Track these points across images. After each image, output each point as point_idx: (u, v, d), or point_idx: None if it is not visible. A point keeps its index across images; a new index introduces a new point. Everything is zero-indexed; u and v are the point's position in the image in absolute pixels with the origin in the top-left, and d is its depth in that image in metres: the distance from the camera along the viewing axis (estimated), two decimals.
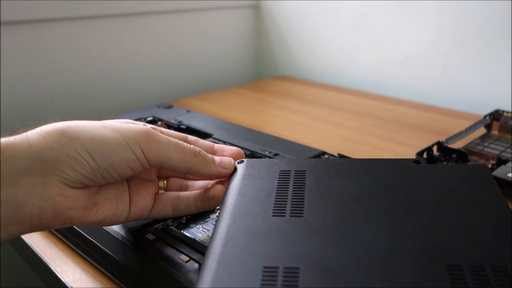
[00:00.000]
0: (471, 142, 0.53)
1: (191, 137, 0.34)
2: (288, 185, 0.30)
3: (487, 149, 0.51)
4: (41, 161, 0.25)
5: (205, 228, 0.34)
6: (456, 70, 0.76)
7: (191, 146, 0.31)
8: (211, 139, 0.51)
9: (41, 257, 0.35)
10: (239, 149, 0.35)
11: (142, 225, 0.34)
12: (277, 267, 0.22)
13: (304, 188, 0.29)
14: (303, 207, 0.27)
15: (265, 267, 0.22)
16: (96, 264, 0.34)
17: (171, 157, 0.29)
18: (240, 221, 0.26)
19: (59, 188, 0.26)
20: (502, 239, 0.23)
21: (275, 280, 0.21)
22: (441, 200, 0.27)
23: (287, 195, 0.29)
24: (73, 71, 0.75)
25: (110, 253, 0.32)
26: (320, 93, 0.85)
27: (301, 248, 0.24)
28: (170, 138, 0.30)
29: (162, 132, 0.32)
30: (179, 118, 0.59)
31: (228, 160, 0.33)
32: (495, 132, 0.58)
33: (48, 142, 0.26)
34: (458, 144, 0.51)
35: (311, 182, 0.30)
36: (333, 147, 0.48)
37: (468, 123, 0.56)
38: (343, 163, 0.32)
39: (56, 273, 0.33)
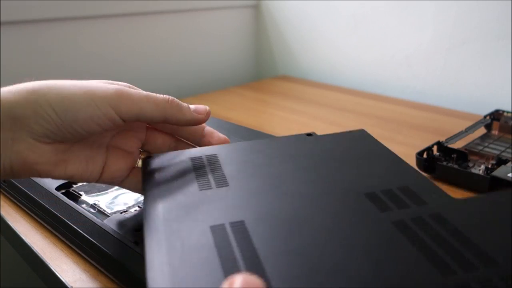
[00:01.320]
0: (471, 142, 0.53)
1: (172, 99, 0.35)
2: (204, 165, 0.32)
3: (487, 149, 0.51)
4: (11, 118, 0.27)
5: None
6: (456, 70, 0.76)
7: (164, 95, 0.32)
8: None
9: (41, 257, 0.35)
10: (227, 138, 0.36)
11: (142, 224, 0.34)
12: (223, 224, 0.25)
13: (220, 164, 0.32)
14: (225, 179, 0.30)
15: (211, 226, 0.24)
16: (96, 264, 0.34)
17: (144, 107, 0.30)
18: (171, 201, 0.27)
19: (28, 143, 0.28)
20: (397, 170, 0.31)
21: (227, 235, 0.23)
22: (340, 154, 0.33)
23: (206, 172, 0.31)
24: (73, 71, 0.75)
25: (110, 253, 0.32)
26: (320, 93, 0.85)
27: (239, 206, 0.26)
28: (141, 91, 0.31)
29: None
30: None
31: (203, 107, 0.34)
32: (495, 132, 0.58)
33: (17, 99, 0.27)
34: (458, 144, 0.51)
35: (224, 160, 0.32)
36: None
37: (468, 123, 0.56)
38: (250, 144, 0.35)
39: (56, 273, 0.33)
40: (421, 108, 0.74)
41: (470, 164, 0.48)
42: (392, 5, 0.81)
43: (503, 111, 0.60)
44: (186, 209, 0.26)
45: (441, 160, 0.48)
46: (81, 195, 0.40)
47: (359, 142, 0.35)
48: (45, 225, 0.39)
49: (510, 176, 0.43)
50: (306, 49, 0.98)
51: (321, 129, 0.65)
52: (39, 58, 0.71)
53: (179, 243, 0.23)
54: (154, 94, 0.32)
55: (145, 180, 0.31)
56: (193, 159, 0.33)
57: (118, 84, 0.32)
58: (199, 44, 0.94)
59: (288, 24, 1.00)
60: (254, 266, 0.21)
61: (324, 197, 0.27)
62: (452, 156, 0.48)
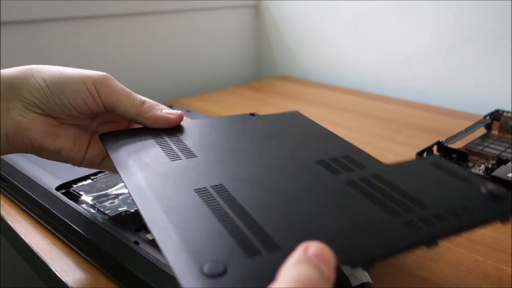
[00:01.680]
0: (471, 142, 0.53)
1: (149, 101, 0.38)
2: (166, 140, 0.34)
3: (487, 149, 0.51)
4: (8, 89, 0.31)
5: None
6: (456, 70, 0.76)
7: (143, 97, 0.36)
8: None
9: (41, 257, 0.35)
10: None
11: (142, 224, 0.34)
12: (205, 187, 0.27)
13: (180, 138, 0.34)
14: (191, 151, 0.32)
15: (195, 189, 0.27)
16: (96, 264, 0.34)
17: (122, 99, 0.34)
18: (147, 170, 0.29)
19: (20, 110, 0.32)
20: (336, 143, 0.35)
21: (212, 196, 0.26)
22: (284, 130, 0.37)
23: (171, 147, 0.33)
24: None
25: (110, 253, 0.32)
26: (320, 93, 0.85)
27: (213, 173, 0.29)
28: (124, 87, 0.35)
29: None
30: None
31: (175, 111, 0.37)
32: (495, 132, 0.58)
33: (15, 74, 0.32)
34: (458, 144, 0.51)
35: (183, 135, 0.35)
36: None
37: (468, 123, 0.56)
38: (202, 121, 0.38)
39: (56, 273, 0.33)
40: (421, 108, 0.74)
41: (470, 164, 0.48)
42: (392, 5, 0.81)
43: (503, 111, 0.60)
44: (165, 177, 0.28)
45: None
46: (81, 195, 0.40)
47: (297, 120, 0.40)
48: (45, 225, 0.39)
49: (510, 176, 0.43)
50: (306, 49, 0.98)
51: None
52: (39, 58, 0.71)
53: (172, 204, 0.25)
54: (135, 94, 0.35)
55: (113, 155, 0.32)
56: (152, 134, 0.35)
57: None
58: (199, 44, 0.94)
59: (288, 24, 1.00)
60: (247, 218, 0.24)
61: (281, 164, 0.31)
62: (452, 156, 0.48)
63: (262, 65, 1.08)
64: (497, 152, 0.49)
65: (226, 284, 0.19)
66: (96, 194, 0.40)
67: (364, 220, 0.24)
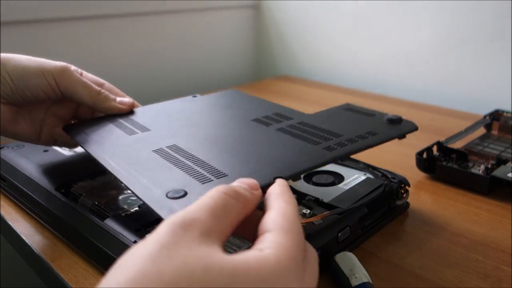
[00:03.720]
0: (471, 142, 0.53)
1: (108, 84, 0.43)
2: (122, 122, 0.39)
3: (487, 149, 0.51)
4: None
5: None
6: (456, 70, 0.76)
7: (98, 88, 0.40)
8: None
9: (41, 257, 0.35)
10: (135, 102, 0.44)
11: (142, 224, 0.34)
12: (161, 148, 0.33)
13: (134, 119, 0.40)
14: (145, 126, 0.38)
15: (153, 150, 0.32)
16: (96, 264, 0.34)
17: (79, 90, 0.39)
18: (110, 144, 0.34)
19: None
20: (268, 105, 0.42)
21: (168, 152, 0.32)
22: (225, 103, 0.45)
23: (125, 125, 0.38)
24: None
25: (110, 252, 0.32)
26: (320, 93, 0.85)
27: (166, 137, 0.34)
28: (81, 77, 0.39)
29: (81, 74, 0.41)
30: None
31: (127, 100, 0.42)
32: (495, 132, 0.58)
33: None
34: (458, 144, 0.51)
35: (136, 117, 0.40)
36: None
37: (468, 123, 0.56)
38: (149, 106, 0.44)
39: (56, 273, 0.33)
40: (421, 108, 0.74)
41: (470, 164, 0.48)
42: (392, 5, 0.81)
43: (503, 111, 0.60)
44: (126, 146, 0.33)
45: (441, 160, 0.48)
46: (81, 195, 0.40)
47: (235, 96, 0.47)
48: (45, 225, 0.39)
49: (510, 176, 0.43)
50: (306, 49, 0.98)
51: None
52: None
53: (134, 161, 0.30)
54: (91, 84, 0.40)
55: (79, 139, 0.37)
56: (110, 120, 0.40)
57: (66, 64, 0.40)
58: (199, 44, 0.94)
59: (288, 24, 1.00)
60: (198, 161, 0.30)
61: (224, 125, 0.37)
62: (452, 156, 0.48)
63: (262, 65, 1.08)
64: (497, 152, 0.49)
65: (187, 202, 0.24)
66: (96, 194, 0.40)
67: (293, 150, 0.31)
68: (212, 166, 0.29)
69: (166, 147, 0.33)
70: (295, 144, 0.32)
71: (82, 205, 0.38)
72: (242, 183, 0.24)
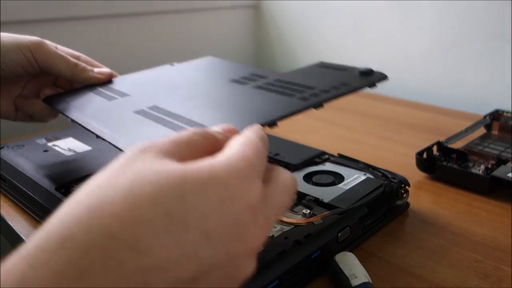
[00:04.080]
0: (471, 142, 0.53)
1: (84, 56, 0.44)
2: (101, 90, 0.41)
3: (487, 149, 0.51)
4: None
5: None
6: (456, 70, 0.76)
7: (75, 60, 0.41)
8: None
9: None
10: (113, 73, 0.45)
11: None
12: (142, 109, 0.34)
13: (112, 87, 0.41)
14: (124, 92, 0.39)
15: (134, 111, 0.33)
16: None
17: (56, 63, 0.40)
18: (91, 110, 0.36)
19: None
20: (245, 68, 0.43)
21: (149, 112, 0.33)
22: (203, 68, 0.47)
23: (105, 93, 0.39)
24: None
25: None
26: None
27: (145, 100, 0.36)
28: (58, 50, 0.40)
29: (56, 48, 0.42)
30: None
31: (105, 70, 0.44)
32: (495, 132, 0.58)
33: None
34: (458, 144, 0.51)
35: (114, 86, 0.42)
36: (333, 147, 0.48)
37: (468, 123, 0.56)
38: (129, 75, 0.46)
39: None
40: (421, 108, 0.74)
41: (470, 164, 0.48)
42: (392, 5, 0.81)
43: (503, 111, 0.60)
44: (107, 110, 0.35)
45: (441, 160, 0.48)
46: None
47: (212, 61, 0.50)
48: None
49: (510, 176, 0.43)
50: (306, 49, 0.98)
51: (322, 129, 0.65)
52: None
53: (116, 121, 0.32)
54: (68, 57, 0.41)
55: (60, 108, 0.38)
56: (89, 89, 0.41)
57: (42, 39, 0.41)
58: (199, 44, 0.94)
59: (288, 24, 1.00)
60: (184, 119, 0.30)
61: (202, 86, 0.39)
62: (452, 156, 0.48)
63: (262, 65, 1.08)
64: (497, 152, 0.49)
65: None
66: None
67: (269, 102, 0.33)
68: (192, 120, 0.30)
69: (147, 107, 0.34)
70: (271, 97, 0.33)
71: None
72: (217, 127, 0.24)
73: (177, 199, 0.17)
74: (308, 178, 0.42)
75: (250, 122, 0.27)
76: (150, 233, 0.16)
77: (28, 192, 0.41)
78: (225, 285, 0.18)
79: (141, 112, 0.33)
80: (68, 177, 0.42)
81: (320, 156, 0.46)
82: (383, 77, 0.36)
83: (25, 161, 0.46)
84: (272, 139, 0.51)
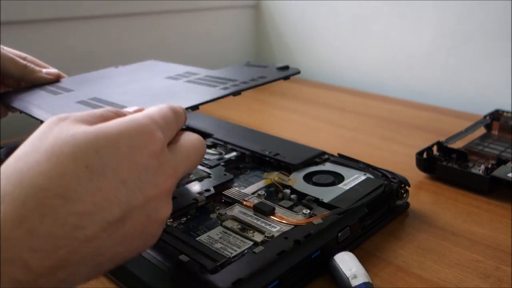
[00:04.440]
0: (471, 142, 0.53)
1: (30, 57, 0.46)
2: (49, 88, 0.44)
3: (487, 149, 0.51)
4: None
5: (206, 228, 0.34)
6: (456, 70, 0.76)
7: (24, 62, 0.44)
8: (211, 139, 0.51)
9: None
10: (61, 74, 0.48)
11: None
12: (83, 100, 0.37)
13: (61, 85, 0.44)
14: (70, 89, 0.42)
15: (76, 102, 0.37)
16: None
17: (6, 65, 0.42)
18: (40, 102, 0.39)
19: None
20: (180, 68, 0.48)
21: (91, 103, 0.36)
22: (141, 70, 0.51)
23: (54, 90, 0.43)
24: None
25: None
26: (320, 93, 0.85)
27: (90, 94, 0.39)
28: (7, 53, 0.42)
29: (3, 49, 0.44)
30: None
31: (54, 71, 0.46)
32: (495, 132, 0.58)
33: None
34: (458, 144, 0.51)
35: (64, 84, 0.45)
36: (333, 147, 0.48)
37: (468, 123, 0.56)
38: (77, 77, 0.48)
39: None
40: (421, 108, 0.74)
41: (470, 164, 0.48)
42: (392, 6, 0.81)
43: (503, 111, 0.60)
44: (52, 102, 0.39)
45: (441, 160, 0.48)
46: None
47: (153, 64, 0.55)
48: None
49: (510, 176, 0.43)
50: (306, 49, 0.98)
51: (322, 129, 0.65)
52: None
53: (60, 110, 0.33)
54: (17, 59, 0.43)
55: (11, 103, 0.40)
56: (39, 87, 0.44)
57: None
58: (199, 44, 0.94)
59: (288, 24, 1.00)
60: (120, 106, 0.31)
61: (142, 81, 0.44)
62: (452, 156, 0.48)
63: None
64: (497, 152, 0.49)
65: None
66: None
67: (195, 91, 0.37)
68: (124, 106, 0.31)
69: (88, 98, 0.38)
70: (198, 88, 0.38)
71: None
72: (129, 108, 0.27)
73: (93, 153, 0.20)
74: (308, 178, 0.42)
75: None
76: (75, 184, 0.19)
77: None
78: (147, 227, 0.22)
79: (82, 102, 0.37)
80: None
81: (320, 156, 0.46)
82: (296, 71, 0.42)
83: None
84: (272, 139, 0.51)
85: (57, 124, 0.22)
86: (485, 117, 0.59)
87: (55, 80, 0.46)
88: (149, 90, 0.40)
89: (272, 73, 0.40)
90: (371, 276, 0.30)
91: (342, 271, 0.30)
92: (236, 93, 0.35)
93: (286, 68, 0.43)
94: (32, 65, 0.44)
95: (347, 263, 0.31)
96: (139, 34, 0.84)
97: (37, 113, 0.35)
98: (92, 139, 0.21)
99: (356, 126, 0.66)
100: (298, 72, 0.42)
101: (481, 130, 0.57)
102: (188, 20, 0.91)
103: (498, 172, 0.44)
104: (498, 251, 0.36)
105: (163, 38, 0.88)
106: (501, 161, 0.46)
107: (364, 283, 0.29)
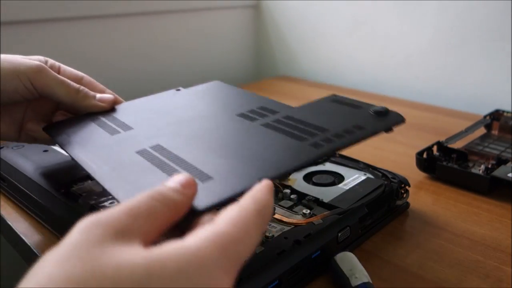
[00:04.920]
0: (471, 142, 0.53)
1: (87, 78, 0.42)
2: (104, 120, 0.38)
3: (487, 149, 0.51)
4: None
5: None
6: (456, 70, 0.76)
7: (76, 85, 0.39)
8: None
9: (41, 257, 0.35)
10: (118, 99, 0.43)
11: None
12: (144, 148, 0.31)
13: (116, 117, 0.38)
14: (128, 125, 0.36)
15: (136, 151, 0.31)
16: None
17: (56, 90, 0.37)
18: (91, 146, 0.33)
19: None
20: (252, 98, 0.40)
21: (151, 153, 0.30)
22: (210, 96, 0.43)
23: (107, 124, 0.37)
24: None
25: None
26: (320, 93, 0.85)
27: (149, 137, 0.33)
28: (58, 76, 0.38)
29: (59, 69, 0.41)
30: None
31: (108, 97, 0.40)
32: (495, 132, 0.58)
33: None
34: (458, 144, 0.51)
35: (117, 115, 0.39)
36: None
37: (468, 123, 0.56)
38: (133, 102, 0.42)
39: None
40: (421, 108, 0.74)
41: (470, 164, 0.48)
42: (392, 6, 0.81)
43: (503, 111, 0.60)
44: (108, 148, 0.32)
45: (441, 160, 0.48)
46: (81, 195, 0.40)
47: (218, 88, 0.46)
48: (45, 225, 0.39)
49: (510, 176, 0.43)
50: (306, 49, 0.98)
51: None
52: None
53: (117, 164, 0.29)
54: (69, 82, 0.38)
55: (60, 141, 0.35)
56: (91, 119, 0.38)
57: (39, 60, 0.38)
58: (199, 44, 0.94)
59: (288, 24, 1.00)
60: (181, 162, 0.28)
61: (208, 121, 0.36)
62: (452, 156, 0.48)
63: (262, 65, 1.08)
64: (497, 152, 0.49)
65: None
66: (96, 194, 0.40)
67: (279, 147, 0.30)
68: (196, 168, 0.27)
69: (150, 147, 0.31)
70: (281, 140, 0.31)
71: (82, 205, 0.38)
72: (175, 182, 0.21)
73: None
74: (308, 178, 0.42)
75: (259, 175, 0.25)
76: None
77: (28, 192, 0.41)
78: None
79: (143, 153, 0.30)
80: (68, 177, 0.42)
81: None
82: (400, 119, 0.34)
83: (25, 161, 0.46)
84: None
85: (95, 235, 0.17)
86: (485, 117, 0.59)
87: (110, 108, 0.40)
88: (221, 136, 0.33)
89: (368, 121, 0.33)
90: (371, 276, 0.30)
91: (342, 271, 0.30)
92: (330, 155, 0.30)
93: (385, 113, 0.35)
94: (86, 90, 0.39)
95: (347, 263, 0.31)
96: (139, 34, 0.84)
97: (91, 167, 0.30)
98: (142, 280, 0.16)
99: None
100: (403, 121, 0.35)
101: (481, 130, 0.57)
102: (188, 20, 0.91)
103: (498, 172, 0.44)
104: (498, 251, 0.36)
105: (163, 38, 0.88)
106: (501, 161, 0.46)
107: (364, 283, 0.29)
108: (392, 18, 0.82)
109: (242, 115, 0.36)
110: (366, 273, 0.30)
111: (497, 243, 0.37)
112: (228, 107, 0.38)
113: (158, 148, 0.31)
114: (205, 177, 0.26)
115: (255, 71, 1.09)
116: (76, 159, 0.32)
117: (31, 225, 0.40)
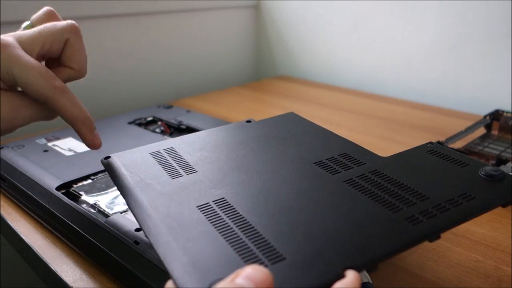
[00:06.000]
0: (471, 142, 0.53)
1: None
2: (165, 157, 0.34)
3: (487, 149, 0.51)
4: None
5: None
6: (456, 70, 0.76)
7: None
8: None
9: (41, 257, 0.35)
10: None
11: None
12: (207, 203, 0.27)
13: (179, 155, 0.34)
14: (191, 166, 0.32)
15: (198, 206, 0.27)
16: (96, 264, 0.34)
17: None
18: (150, 192, 0.29)
19: None
20: (332, 141, 0.35)
21: (215, 211, 0.26)
22: (281, 133, 0.37)
23: (170, 163, 0.33)
24: None
25: (110, 252, 0.32)
26: (320, 93, 0.85)
27: (214, 186, 0.29)
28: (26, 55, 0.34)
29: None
30: (179, 118, 0.59)
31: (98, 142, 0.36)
32: (495, 132, 0.58)
33: None
34: (458, 144, 0.51)
35: (181, 151, 0.35)
36: None
37: (468, 123, 0.56)
38: (198, 134, 0.38)
39: (56, 273, 0.33)
40: (421, 108, 0.74)
41: None
42: (392, 6, 0.81)
43: (503, 111, 0.60)
44: (168, 196, 0.28)
45: None
46: (81, 195, 0.40)
47: (293, 122, 0.40)
48: (45, 225, 0.39)
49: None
50: (306, 49, 0.98)
51: None
52: None
53: (176, 224, 0.25)
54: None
55: (115, 178, 0.32)
56: (152, 154, 0.34)
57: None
58: (199, 44, 0.94)
59: (288, 24, 1.00)
60: (250, 231, 0.24)
61: (281, 169, 0.31)
62: None
63: (262, 65, 1.08)
64: (497, 152, 0.49)
65: None
66: (96, 194, 0.40)
67: (365, 220, 0.25)
68: (266, 241, 0.23)
69: (213, 201, 0.28)
70: (369, 208, 0.26)
71: (82, 205, 0.38)
72: (250, 280, 0.19)
73: None
74: None
75: (343, 264, 0.21)
76: None
77: (28, 192, 0.41)
78: None
79: (206, 209, 0.27)
80: (68, 177, 0.42)
81: None
82: None
83: (25, 161, 0.46)
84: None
85: None
86: (485, 117, 0.59)
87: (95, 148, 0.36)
88: (298, 198, 0.28)
89: (479, 187, 0.27)
90: (371, 276, 0.30)
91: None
92: (433, 238, 0.23)
93: (500, 177, 0.27)
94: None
95: None
96: (139, 34, 0.84)
97: (146, 224, 0.26)
98: None
99: (356, 126, 0.66)
100: None
101: (481, 130, 0.57)
102: (188, 20, 0.91)
103: None
104: (498, 251, 0.36)
105: (163, 38, 0.88)
106: (501, 161, 0.46)
107: (364, 283, 0.29)
108: (392, 19, 0.82)
109: (320, 164, 0.32)
110: (366, 273, 0.30)
111: (497, 243, 0.37)
112: (305, 150, 0.34)
113: (223, 204, 0.27)
114: (277, 257, 0.22)
115: (255, 71, 1.09)
116: (133, 212, 0.28)
117: (31, 225, 0.40)
